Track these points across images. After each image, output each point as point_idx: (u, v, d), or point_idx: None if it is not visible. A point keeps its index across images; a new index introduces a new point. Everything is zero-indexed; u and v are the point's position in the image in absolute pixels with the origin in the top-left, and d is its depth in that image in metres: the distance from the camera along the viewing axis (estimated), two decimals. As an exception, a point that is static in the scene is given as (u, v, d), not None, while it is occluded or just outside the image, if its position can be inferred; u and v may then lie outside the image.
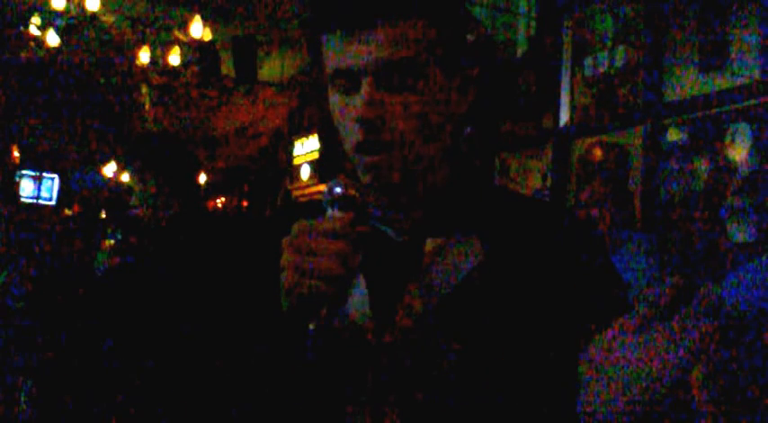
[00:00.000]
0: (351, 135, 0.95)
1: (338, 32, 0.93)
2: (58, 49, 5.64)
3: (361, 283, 0.96)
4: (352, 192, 0.89)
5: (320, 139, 7.75)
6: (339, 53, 0.94)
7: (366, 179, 0.96)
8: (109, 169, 10.32)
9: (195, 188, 2.32)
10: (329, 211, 0.89)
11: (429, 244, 0.96)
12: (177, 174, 2.24)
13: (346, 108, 0.95)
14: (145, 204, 2.22)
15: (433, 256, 0.96)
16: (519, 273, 0.94)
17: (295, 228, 0.87)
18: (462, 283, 0.94)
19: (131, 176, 2.30)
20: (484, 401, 0.91)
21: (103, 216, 9.32)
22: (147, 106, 7.40)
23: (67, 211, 10.24)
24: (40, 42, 5.59)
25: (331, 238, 0.85)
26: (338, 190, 0.89)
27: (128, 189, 2.38)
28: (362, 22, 0.91)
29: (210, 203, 11.15)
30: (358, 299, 0.95)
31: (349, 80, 0.94)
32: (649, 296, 0.70)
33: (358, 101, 0.93)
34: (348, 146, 0.96)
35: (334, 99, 0.97)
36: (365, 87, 0.92)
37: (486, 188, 1.06)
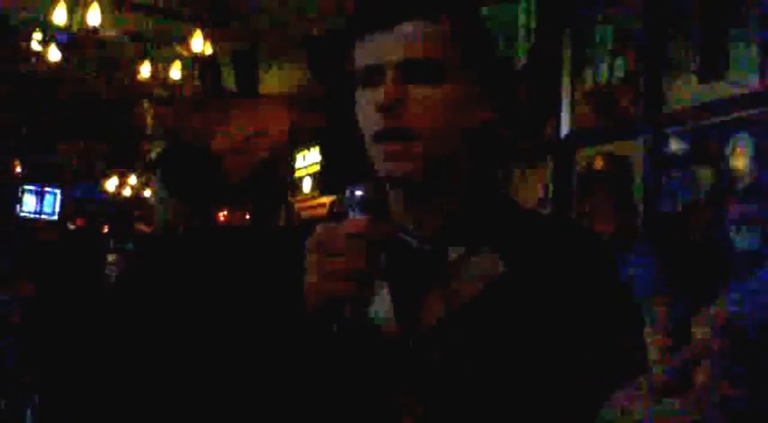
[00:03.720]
0: (371, 124, 0.98)
1: (370, 33, 0.99)
2: (59, 65, 5.66)
3: (385, 289, 0.98)
4: (373, 194, 0.91)
5: (322, 151, 7.75)
6: (369, 51, 0.99)
7: (383, 169, 0.98)
8: (111, 184, 10.33)
9: (212, 200, 2.29)
10: (351, 214, 0.90)
11: (451, 253, 0.98)
12: (197, 185, 2.21)
13: (370, 100, 0.98)
14: (164, 213, 2.21)
15: (455, 265, 0.97)
16: (538, 288, 0.96)
17: (317, 229, 0.89)
18: (484, 292, 0.95)
19: (154, 185, 2.28)
20: (499, 408, 0.93)
21: (106, 230, 9.32)
22: (148, 120, 7.42)
23: (70, 226, 10.24)
24: (41, 58, 5.61)
25: (350, 240, 0.86)
26: (359, 193, 0.90)
27: (135, 201, 2.39)
28: (390, 21, 0.97)
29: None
30: (381, 305, 0.97)
31: (375, 75, 0.98)
32: (663, 369, 0.70)
33: (381, 89, 0.97)
34: (367, 137, 0.99)
35: (360, 94, 1.01)
36: (389, 76, 0.97)
37: (506, 200, 1.10)
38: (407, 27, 0.97)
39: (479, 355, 0.93)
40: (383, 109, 0.96)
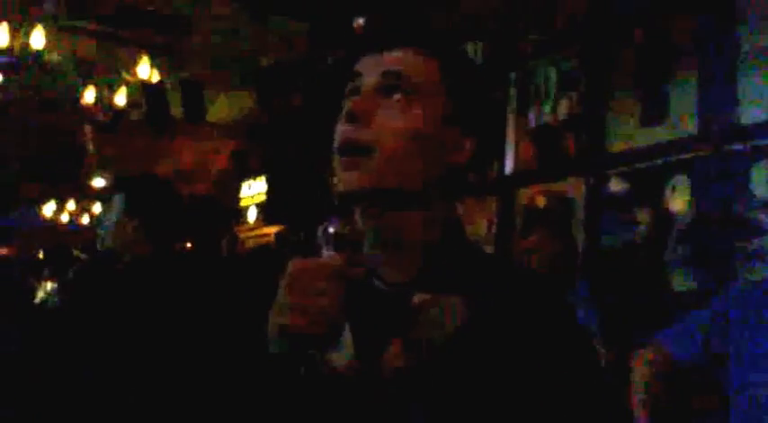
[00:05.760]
0: (338, 135, 0.97)
1: (359, 60, 1.02)
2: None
3: (347, 333, 0.94)
4: (347, 231, 0.89)
5: (267, 181, 7.71)
6: (355, 68, 1.01)
7: (341, 182, 0.96)
8: (48, 209, 10.08)
9: (171, 229, 2.27)
10: (324, 251, 0.88)
11: (417, 298, 0.95)
12: (158, 215, 2.20)
13: (343, 111, 0.98)
14: (117, 240, 2.17)
15: (419, 311, 0.94)
16: (501, 338, 0.94)
17: (291, 266, 0.86)
18: (448, 340, 0.93)
19: (109, 211, 2.25)
20: None
21: (41, 256, 9.07)
22: (90, 146, 7.29)
23: (3, 251, 9.93)
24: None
25: (329, 278, 0.84)
26: (332, 229, 0.89)
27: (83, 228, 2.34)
28: (380, 47, 1.01)
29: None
30: (343, 350, 0.94)
31: (355, 88, 1.00)
32: None
33: (353, 98, 0.98)
34: (335, 149, 0.98)
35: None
36: (365, 87, 0.98)
37: (468, 244, 1.08)
38: (394, 51, 1.00)
39: (442, 404, 0.91)
40: (348, 117, 0.96)
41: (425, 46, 1.01)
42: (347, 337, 0.95)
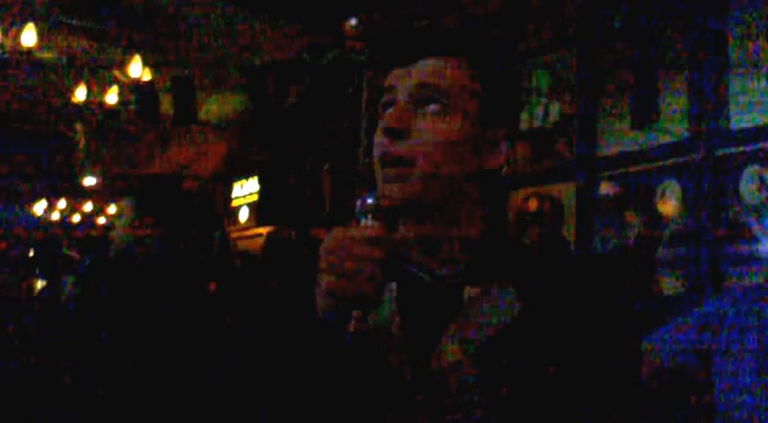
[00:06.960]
0: (377, 147, 1.00)
1: (391, 69, 1.03)
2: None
3: (397, 325, 0.98)
4: (385, 202, 0.93)
5: (260, 181, 7.69)
6: (388, 79, 1.02)
7: (385, 193, 0.98)
8: (39, 207, 10.04)
9: (181, 226, 2.33)
10: (363, 221, 0.92)
11: (467, 291, 0.98)
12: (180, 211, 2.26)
13: (381, 124, 1.00)
14: (129, 241, 2.22)
15: (471, 304, 0.97)
16: (555, 328, 0.96)
17: (333, 232, 0.90)
18: (500, 333, 0.95)
19: (120, 214, 2.30)
20: None
21: (31, 254, 9.03)
22: (80, 144, 7.27)
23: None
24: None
25: (368, 243, 0.88)
26: (370, 201, 0.92)
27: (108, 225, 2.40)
28: (411, 59, 1.01)
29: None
30: (394, 342, 0.97)
31: (389, 101, 1.01)
32: None
33: (389, 112, 1.00)
34: (375, 160, 1.01)
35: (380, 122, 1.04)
36: (400, 100, 0.99)
37: (514, 238, 1.10)
38: (426, 61, 1.00)
39: (496, 398, 0.93)
40: (386, 132, 0.98)
41: (456, 53, 1.01)
42: (397, 329, 0.98)
